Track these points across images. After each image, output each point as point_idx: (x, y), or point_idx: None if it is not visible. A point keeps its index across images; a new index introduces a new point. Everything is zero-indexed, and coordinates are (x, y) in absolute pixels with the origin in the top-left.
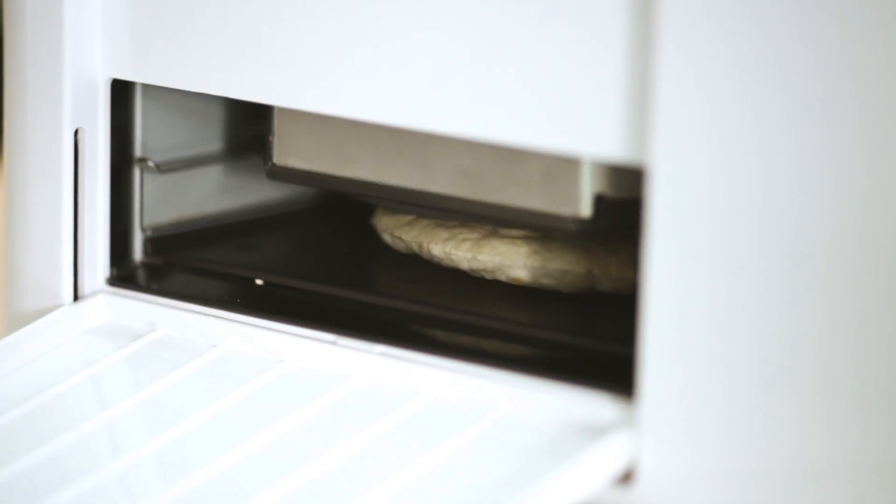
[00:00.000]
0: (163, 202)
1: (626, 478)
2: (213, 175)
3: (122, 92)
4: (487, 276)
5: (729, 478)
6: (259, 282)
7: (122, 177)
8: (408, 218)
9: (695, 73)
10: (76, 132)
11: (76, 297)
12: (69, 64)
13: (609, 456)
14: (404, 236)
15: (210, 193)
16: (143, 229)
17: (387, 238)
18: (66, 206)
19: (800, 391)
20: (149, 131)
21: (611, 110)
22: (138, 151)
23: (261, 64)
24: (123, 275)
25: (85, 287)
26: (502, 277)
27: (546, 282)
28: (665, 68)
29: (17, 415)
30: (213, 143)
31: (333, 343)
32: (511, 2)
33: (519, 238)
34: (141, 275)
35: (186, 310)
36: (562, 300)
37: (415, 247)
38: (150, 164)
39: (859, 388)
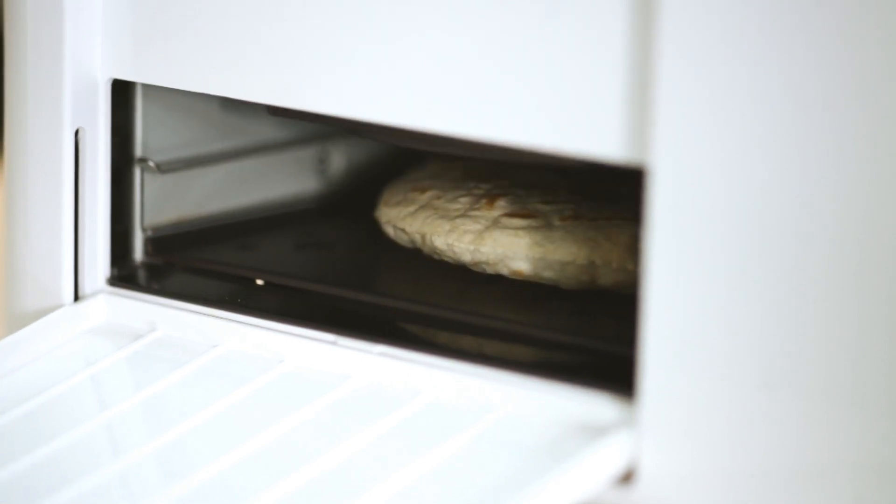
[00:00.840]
0: (163, 202)
1: (627, 478)
2: (213, 175)
3: (122, 92)
4: (489, 270)
5: (729, 478)
6: (259, 282)
7: (122, 177)
8: (410, 209)
9: (695, 73)
10: (77, 132)
11: (77, 298)
12: (69, 64)
13: (609, 456)
14: (407, 228)
15: (210, 193)
16: (144, 229)
17: (389, 230)
18: (66, 206)
19: (800, 391)
20: (149, 131)
21: (611, 110)
22: (139, 151)
23: (261, 64)
24: (124, 275)
25: (85, 287)
26: (504, 270)
27: (547, 274)
28: (665, 68)
29: (17, 415)
30: (214, 142)
31: (333, 343)
32: (511, 2)
33: (521, 229)
34: (141, 275)
35: (187, 310)
36: (562, 300)
37: (417, 238)
38: (151, 164)
39: (859, 389)
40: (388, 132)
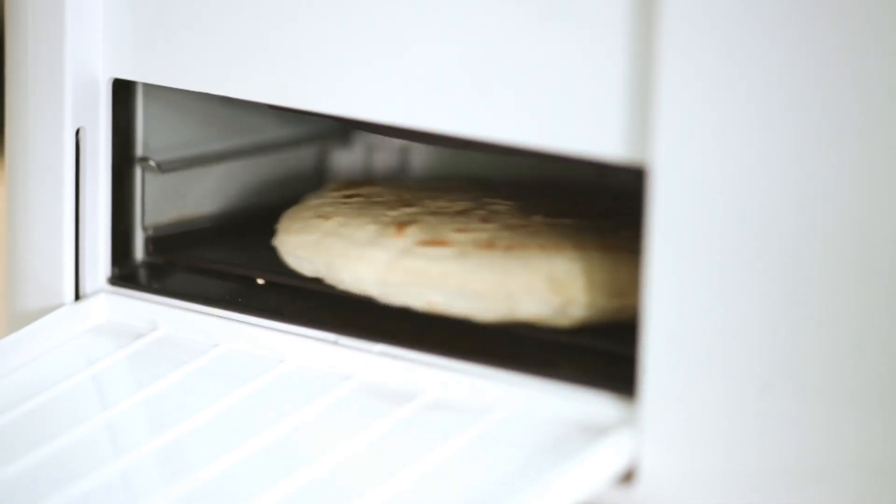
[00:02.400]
0: (164, 201)
1: (628, 477)
2: (214, 174)
3: (123, 91)
4: (398, 301)
5: (730, 477)
6: (260, 281)
7: (123, 176)
8: (314, 237)
9: (696, 73)
10: (77, 132)
11: (77, 297)
12: (70, 63)
13: (610, 455)
14: (311, 258)
15: (211, 192)
16: (145, 228)
17: (291, 261)
18: (67, 206)
19: (800, 391)
20: (150, 131)
21: (612, 110)
22: (139, 151)
23: (263, 63)
24: (125, 274)
25: (86, 286)
26: (416, 302)
27: (462, 305)
28: (666, 68)
29: (18, 414)
30: (215, 142)
31: (334, 342)
32: (511, 1)
33: (433, 258)
34: (142, 274)
35: (188, 309)
36: None
37: (322, 269)
38: (152, 163)
39: (859, 388)
40: (393, 130)
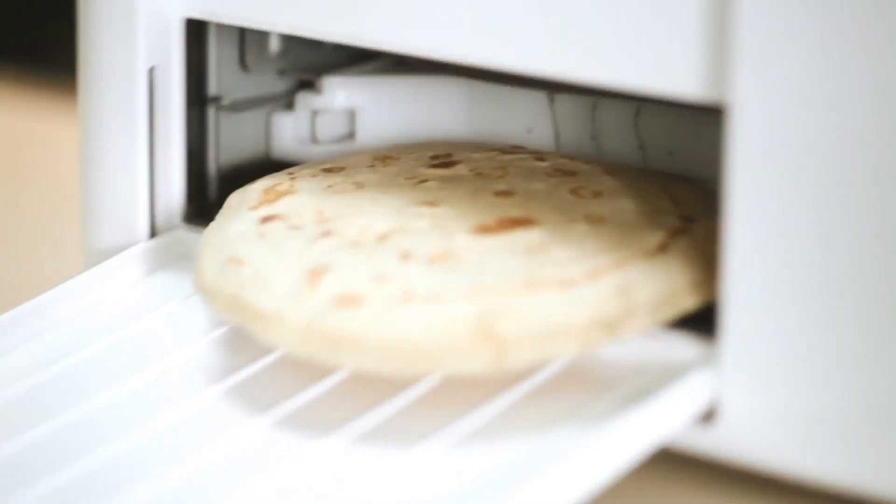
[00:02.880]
0: (237, 140)
1: (708, 417)
2: (286, 113)
3: (196, 30)
4: (324, 363)
5: (812, 416)
6: None
7: (196, 115)
8: (229, 290)
9: (778, 3)
10: (150, 70)
11: (153, 234)
12: (143, 2)
13: (691, 395)
14: (229, 318)
15: (284, 131)
16: (219, 167)
17: (211, 312)
18: (141, 144)
19: (886, 328)
20: (223, 70)
21: (688, 46)
22: (213, 90)
23: (341, 1)
24: (199, 211)
25: (161, 223)
26: (344, 365)
27: (388, 366)
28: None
29: (96, 350)
30: (287, 81)
31: None
32: None
33: (351, 319)
34: (216, 212)
35: None
36: None
37: (240, 327)
38: (225, 102)
39: None
40: (470, 70)
